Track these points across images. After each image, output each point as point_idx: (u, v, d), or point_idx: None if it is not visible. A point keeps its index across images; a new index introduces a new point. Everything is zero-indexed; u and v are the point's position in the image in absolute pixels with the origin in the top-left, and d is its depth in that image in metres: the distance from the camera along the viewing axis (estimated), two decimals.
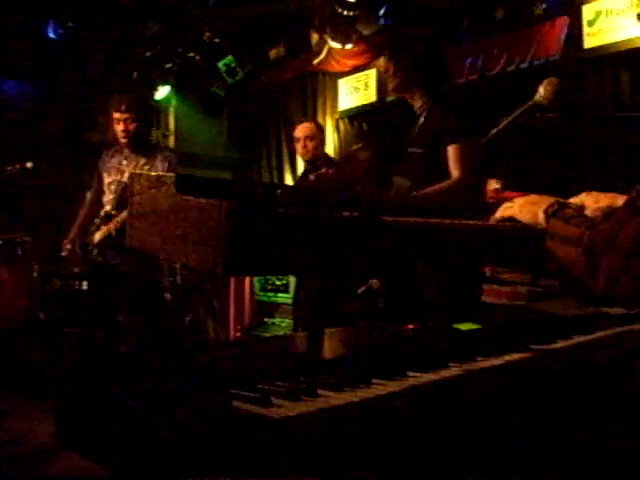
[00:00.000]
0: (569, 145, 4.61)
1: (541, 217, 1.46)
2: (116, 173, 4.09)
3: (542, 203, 1.48)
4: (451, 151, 2.72)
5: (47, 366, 4.43)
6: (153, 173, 1.19)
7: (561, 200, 1.49)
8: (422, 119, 2.87)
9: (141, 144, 4.07)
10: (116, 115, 4.00)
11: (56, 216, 6.12)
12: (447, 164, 2.73)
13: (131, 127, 3.98)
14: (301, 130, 4.68)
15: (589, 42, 4.70)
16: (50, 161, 6.09)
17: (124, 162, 4.08)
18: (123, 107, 3.97)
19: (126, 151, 4.10)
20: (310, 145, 4.60)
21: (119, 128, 4.00)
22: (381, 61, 2.95)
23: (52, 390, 4.08)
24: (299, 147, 4.66)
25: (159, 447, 0.83)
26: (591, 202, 1.60)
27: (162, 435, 0.83)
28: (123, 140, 4.03)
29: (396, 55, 2.88)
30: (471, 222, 1.53)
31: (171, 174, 1.10)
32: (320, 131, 4.77)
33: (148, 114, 4.15)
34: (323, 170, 4.55)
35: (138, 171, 3.96)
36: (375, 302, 3.92)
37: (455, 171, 2.70)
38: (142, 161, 4.03)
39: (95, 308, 4.08)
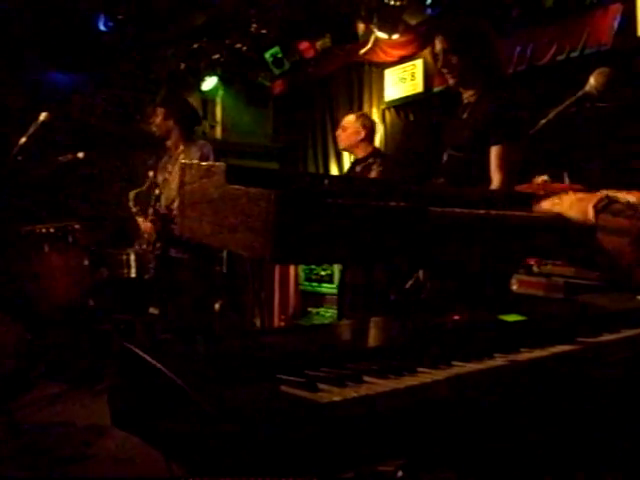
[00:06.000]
0: (620, 137, 4.50)
1: (591, 213, 1.45)
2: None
3: (592, 199, 1.47)
4: (495, 152, 2.55)
5: (96, 352, 4.54)
6: (204, 163, 1.21)
7: (611, 195, 1.47)
8: (467, 112, 2.77)
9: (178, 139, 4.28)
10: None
11: (106, 205, 6.26)
12: (488, 164, 2.57)
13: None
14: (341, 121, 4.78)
15: None
16: (101, 151, 6.22)
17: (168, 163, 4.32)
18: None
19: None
20: (341, 135, 4.63)
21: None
22: (437, 45, 2.74)
23: (100, 375, 4.21)
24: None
25: (210, 428, 0.86)
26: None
27: (212, 416, 0.86)
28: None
29: (457, 45, 2.66)
30: (519, 213, 1.52)
31: (222, 164, 1.13)
32: (362, 122, 4.62)
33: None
34: (370, 160, 4.52)
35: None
36: (420, 294, 3.90)
37: (496, 175, 2.54)
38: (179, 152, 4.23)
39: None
